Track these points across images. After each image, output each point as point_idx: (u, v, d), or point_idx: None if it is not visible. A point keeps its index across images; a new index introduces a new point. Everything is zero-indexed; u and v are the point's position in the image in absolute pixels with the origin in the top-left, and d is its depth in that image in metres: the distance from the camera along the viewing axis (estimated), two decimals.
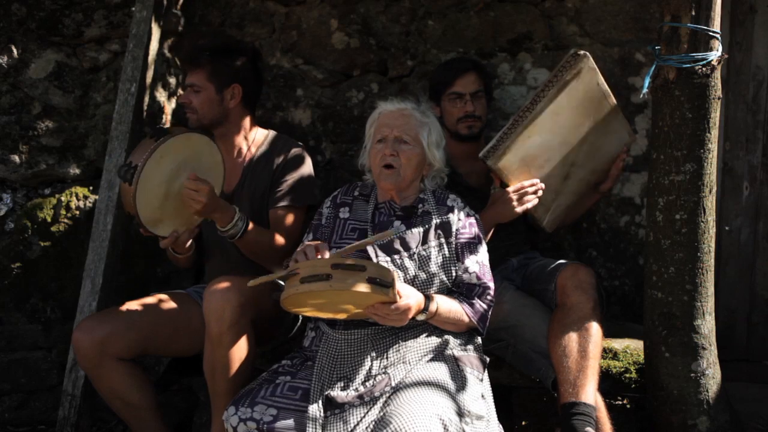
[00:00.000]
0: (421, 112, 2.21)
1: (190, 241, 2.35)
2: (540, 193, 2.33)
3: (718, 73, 2.12)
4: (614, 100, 2.41)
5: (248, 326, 2.15)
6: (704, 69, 2.09)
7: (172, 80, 3.05)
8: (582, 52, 2.28)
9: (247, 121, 2.53)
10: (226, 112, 2.47)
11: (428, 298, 1.98)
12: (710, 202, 2.15)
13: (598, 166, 2.48)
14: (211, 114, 2.44)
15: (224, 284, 2.12)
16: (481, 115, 2.61)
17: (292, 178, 2.48)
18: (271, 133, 2.61)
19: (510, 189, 2.31)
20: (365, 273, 1.77)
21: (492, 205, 2.36)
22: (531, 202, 2.32)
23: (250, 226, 2.31)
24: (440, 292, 2.07)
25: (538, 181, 2.33)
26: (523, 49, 2.97)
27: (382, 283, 1.78)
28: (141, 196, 2.10)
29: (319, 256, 1.95)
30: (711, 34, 2.09)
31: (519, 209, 2.30)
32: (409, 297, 1.90)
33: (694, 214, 2.14)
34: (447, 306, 2.02)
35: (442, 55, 2.99)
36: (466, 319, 2.06)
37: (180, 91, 3.07)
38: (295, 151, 2.53)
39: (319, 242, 2.04)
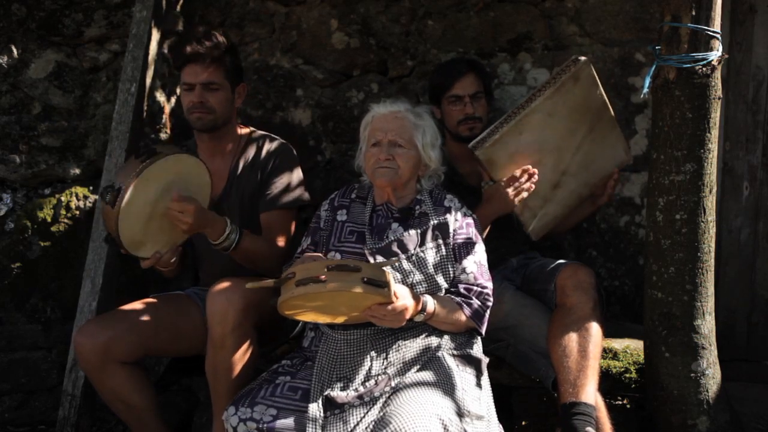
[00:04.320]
0: (415, 113, 2.20)
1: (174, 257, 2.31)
2: (535, 178, 2.28)
3: (718, 73, 2.12)
4: (612, 111, 2.39)
5: (251, 329, 2.13)
6: (704, 69, 2.09)
7: (172, 80, 3.05)
8: (583, 58, 2.25)
9: (235, 122, 2.51)
10: (233, 112, 2.45)
11: (425, 299, 1.98)
12: (710, 202, 2.15)
13: (590, 179, 2.45)
14: (225, 113, 2.39)
15: (228, 286, 2.10)
16: (481, 116, 2.61)
17: (280, 179, 2.43)
18: (255, 132, 2.55)
19: (503, 181, 2.28)
20: (360, 274, 1.77)
21: (487, 201, 2.34)
22: (526, 191, 2.27)
23: (243, 236, 2.25)
24: (438, 292, 2.07)
25: (530, 166, 2.26)
26: (523, 49, 2.97)
27: (377, 283, 1.78)
28: (124, 220, 2.03)
29: None
30: (711, 34, 2.09)
31: (516, 200, 2.27)
32: (405, 297, 1.90)
33: (694, 214, 2.14)
34: (445, 306, 2.02)
35: (442, 55, 2.99)
36: (465, 319, 2.06)
37: (179, 90, 3.06)
38: (281, 150, 2.48)
39: (317, 254, 2.04)
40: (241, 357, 2.11)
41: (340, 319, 1.98)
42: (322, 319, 2.00)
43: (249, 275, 2.33)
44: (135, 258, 2.17)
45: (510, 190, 2.26)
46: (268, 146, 2.49)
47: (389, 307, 1.85)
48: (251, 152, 2.48)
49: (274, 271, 2.34)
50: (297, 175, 2.49)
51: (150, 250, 2.16)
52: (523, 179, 2.27)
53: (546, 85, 2.24)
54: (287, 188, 2.44)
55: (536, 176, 2.28)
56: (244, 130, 2.54)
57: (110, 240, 2.10)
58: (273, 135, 2.57)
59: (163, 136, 2.99)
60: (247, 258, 2.31)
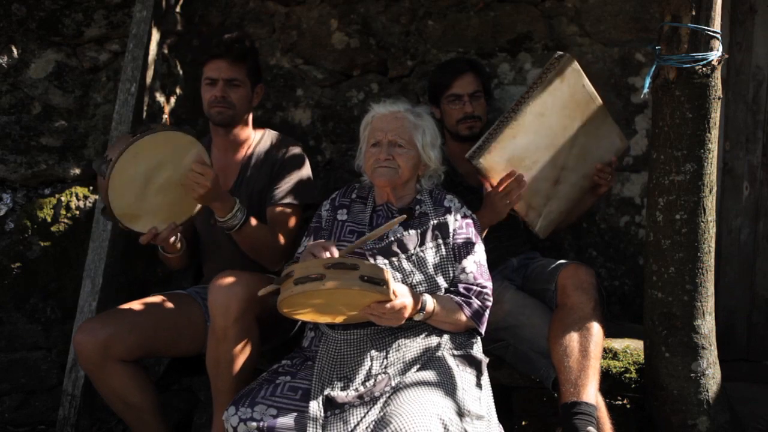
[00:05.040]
0: (415, 113, 2.21)
1: (181, 241, 2.33)
2: (526, 179, 2.27)
3: (718, 73, 2.12)
4: (600, 102, 2.40)
5: (253, 322, 2.13)
6: (704, 69, 2.09)
7: (172, 80, 3.05)
8: (566, 54, 2.28)
9: (250, 120, 2.57)
10: (249, 111, 2.52)
11: (425, 298, 1.98)
12: (710, 202, 2.15)
13: (589, 170, 2.46)
14: (242, 111, 2.47)
15: (230, 278, 2.10)
16: (480, 115, 2.61)
17: (289, 176, 2.49)
18: (267, 131, 2.62)
19: (491, 191, 2.28)
20: (358, 272, 1.77)
21: (484, 208, 2.35)
22: (518, 195, 2.27)
23: (250, 219, 2.31)
24: (438, 292, 2.07)
25: (514, 170, 2.27)
26: (523, 49, 2.97)
27: (375, 281, 1.79)
28: (114, 190, 2.09)
29: (327, 254, 1.94)
30: (711, 34, 2.09)
31: (507, 205, 2.27)
32: (404, 296, 1.91)
33: (694, 214, 2.14)
34: (444, 306, 2.03)
35: (442, 55, 2.99)
36: (464, 319, 2.06)
37: (179, 90, 3.07)
38: (292, 149, 2.55)
39: (324, 241, 2.04)
40: (243, 350, 2.10)
41: (339, 319, 1.98)
42: (322, 318, 2.00)
43: (254, 271, 2.34)
44: (133, 233, 2.21)
45: (499, 196, 2.26)
46: (279, 145, 2.55)
47: (388, 305, 1.85)
48: (263, 149, 2.54)
49: (276, 266, 2.37)
50: (306, 174, 2.55)
51: (146, 225, 2.20)
52: (514, 184, 2.26)
53: (533, 86, 2.26)
54: (295, 185, 2.49)
55: (525, 179, 2.27)
56: (258, 130, 2.61)
57: (105, 212, 2.15)
58: (285, 136, 2.64)
59: None
60: (250, 245, 2.36)
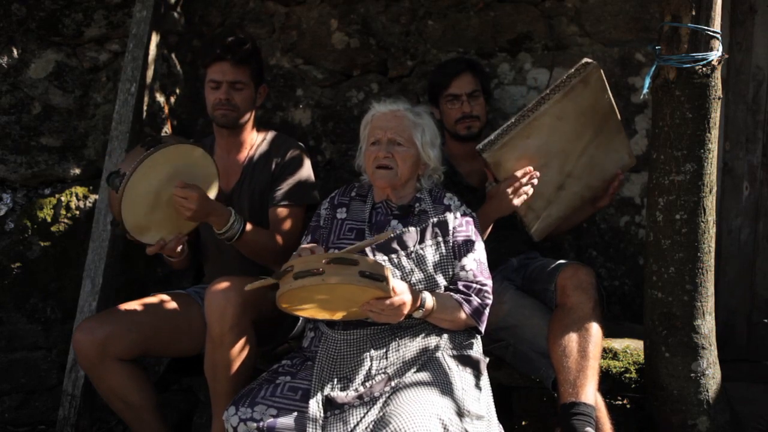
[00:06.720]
0: (415, 112, 2.21)
1: (182, 246, 2.34)
2: (535, 181, 2.27)
3: (718, 73, 2.12)
4: (619, 118, 2.40)
5: (250, 326, 2.15)
6: (704, 69, 2.09)
7: (172, 80, 3.05)
8: (593, 62, 2.25)
9: (253, 121, 2.58)
10: (252, 112, 2.53)
11: (424, 295, 1.98)
12: (710, 202, 2.16)
13: (593, 182, 2.46)
14: (246, 113, 2.49)
15: (225, 284, 2.11)
16: (479, 114, 2.61)
17: (291, 177, 2.50)
18: (270, 132, 2.63)
19: (503, 182, 2.28)
20: (357, 267, 1.77)
21: (489, 201, 2.35)
22: (527, 193, 2.27)
23: (248, 227, 2.31)
24: (438, 290, 2.07)
25: (531, 168, 2.26)
26: (523, 49, 2.97)
27: (376, 277, 1.78)
28: (127, 204, 2.09)
29: None
30: (711, 34, 2.09)
31: (516, 201, 2.26)
32: (404, 293, 1.90)
33: (694, 214, 2.14)
34: (443, 303, 2.03)
35: (442, 55, 2.99)
36: (464, 317, 2.05)
37: (179, 90, 3.07)
38: (294, 150, 2.55)
39: (314, 245, 2.05)
40: (240, 354, 2.11)
41: (338, 315, 1.98)
42: (321, 314, 2.00)
43: (254, 273, 2.35)
44: (140, 244, 2.22)
45: (509, 191, 2.26)
46: (282, 146, 2.56)
47: (387, 301, 1.84)
48: (266, 150, 2.55)
49: (280, 267, 2.37)
50: (308, 174, 2.55)
51: (154, 237, 2.22)
52: (524, 180, 2.26)
53: (555, 88, 2.23)
54: (297, 186, 2.50)
55: (536, 180, 2.27)
56: (261, 130, 2.62)
57: (116, 224, 2.17)
58: (288, 137, 2.64)
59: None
60: (252, 250, 2.37)
